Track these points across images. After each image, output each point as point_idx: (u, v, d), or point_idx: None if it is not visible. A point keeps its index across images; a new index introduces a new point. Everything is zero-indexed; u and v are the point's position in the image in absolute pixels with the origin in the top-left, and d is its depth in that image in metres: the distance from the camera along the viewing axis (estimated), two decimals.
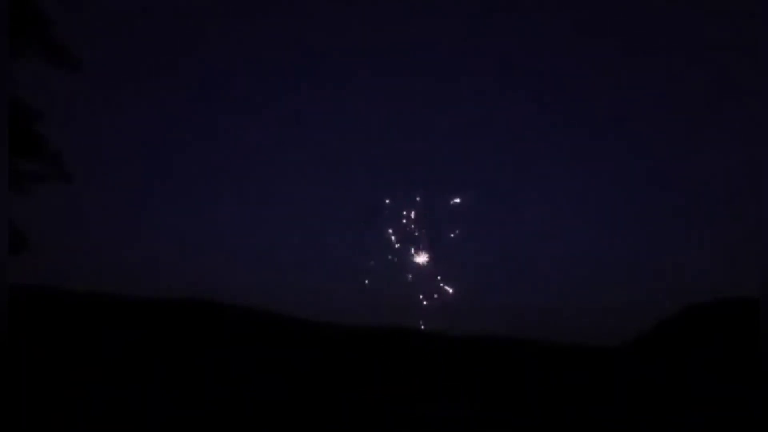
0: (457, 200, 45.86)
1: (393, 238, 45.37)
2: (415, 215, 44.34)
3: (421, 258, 44.46)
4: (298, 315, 48.39)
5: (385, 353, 39.92)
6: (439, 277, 43.52)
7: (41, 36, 13.94)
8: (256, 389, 29.72)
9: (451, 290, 44.21)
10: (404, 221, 44.81)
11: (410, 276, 44.32)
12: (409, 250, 44.88)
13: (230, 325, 41.96)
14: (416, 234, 45.10)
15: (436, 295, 43.26)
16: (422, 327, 43.21)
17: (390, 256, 44.40)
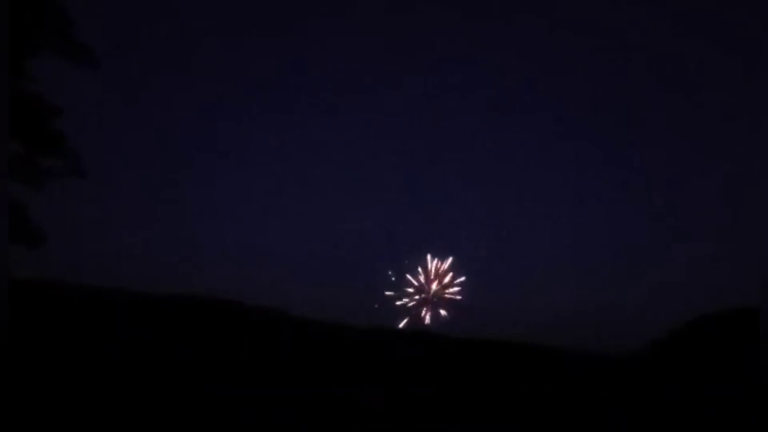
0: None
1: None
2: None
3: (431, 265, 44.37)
4: (308, 316, 48.69)
5: (392, 354, 40.03)
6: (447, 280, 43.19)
7: (61, 33, 14.19)
8: (263, 390, 29.96)
9: (459, 296, 44.46)
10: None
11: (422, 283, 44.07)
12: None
13: (241, 324, 42.27)
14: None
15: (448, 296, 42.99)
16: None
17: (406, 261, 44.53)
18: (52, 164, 14.53)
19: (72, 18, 14.35)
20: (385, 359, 40.22)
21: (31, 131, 13.77)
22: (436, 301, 51.42)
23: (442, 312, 53.68)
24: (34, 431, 14.48)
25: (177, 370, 30.76)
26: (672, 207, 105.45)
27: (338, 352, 41.71)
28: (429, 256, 55.98)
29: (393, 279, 52.31)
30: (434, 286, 53.27)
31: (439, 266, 55.71)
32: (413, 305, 52.78)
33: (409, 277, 52.87)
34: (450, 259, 55.82)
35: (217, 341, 39.24)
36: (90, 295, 38.64)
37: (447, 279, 54.23)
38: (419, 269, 54.36)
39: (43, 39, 14.05)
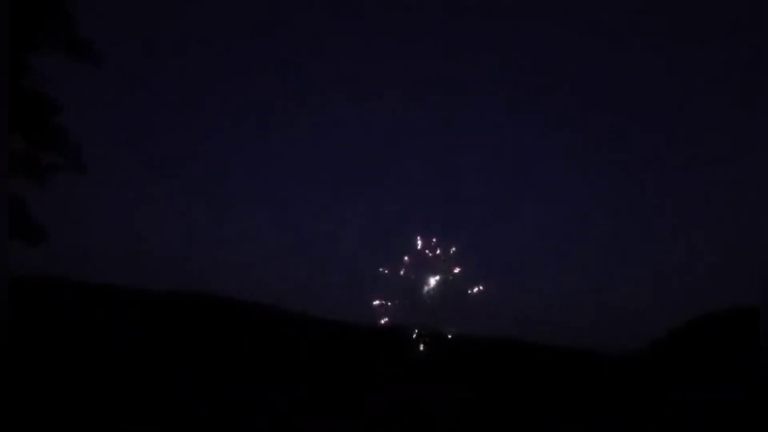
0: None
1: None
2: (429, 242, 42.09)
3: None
4: (308, 315, 48.43)
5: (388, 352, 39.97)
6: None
7: (62, 29, 14.09)
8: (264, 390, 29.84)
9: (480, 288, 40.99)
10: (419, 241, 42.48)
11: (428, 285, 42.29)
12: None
13: (241, 324, 42.13)
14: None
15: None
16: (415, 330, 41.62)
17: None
18: (53, 160, 14.43)
19: (73, 14, 14.24)
20: (384, 359, 40.12)
21: (33, 127, 13.69)
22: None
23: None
24: (34, 430, 14.38)
25: (177, 370, 30.62)
26: (672, 207, 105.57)
27: (338, 352, 41.59)
28: (419, 240, 38.49)
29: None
30: (433, 281, 39.39)
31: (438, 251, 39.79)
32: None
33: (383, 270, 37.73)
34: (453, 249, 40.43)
35: (217, 341, 39.08)
36: (90, 293, 38.47)
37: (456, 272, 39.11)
38: (405, 259, 38.65)
39: (44, 35, 13.95)
